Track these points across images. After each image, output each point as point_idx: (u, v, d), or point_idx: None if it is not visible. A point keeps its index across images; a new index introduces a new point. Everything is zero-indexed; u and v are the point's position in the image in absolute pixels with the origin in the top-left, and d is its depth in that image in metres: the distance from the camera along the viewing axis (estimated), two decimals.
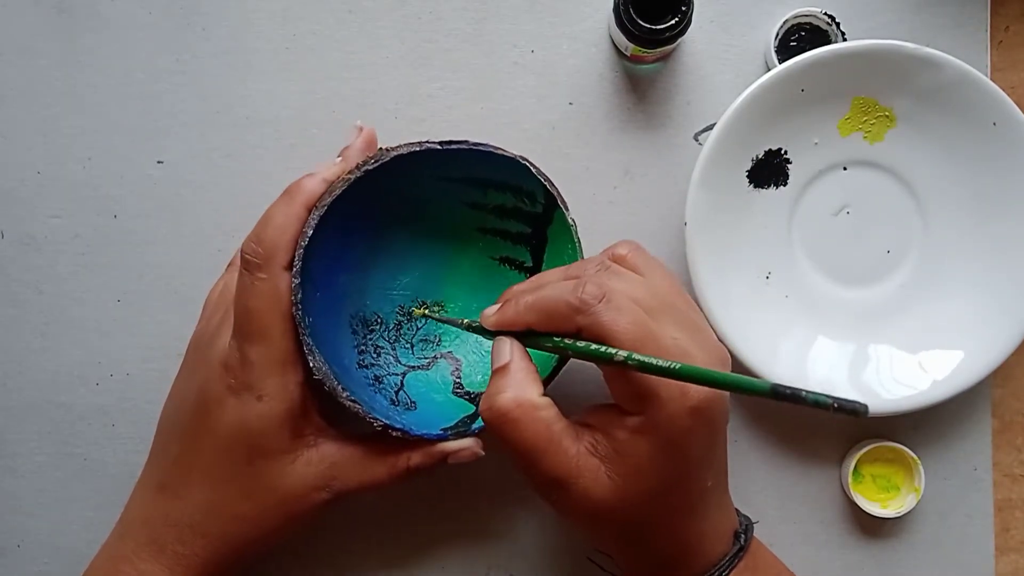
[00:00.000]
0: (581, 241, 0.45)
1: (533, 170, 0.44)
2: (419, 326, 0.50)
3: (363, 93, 0.51)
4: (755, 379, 0.33)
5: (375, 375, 0.47)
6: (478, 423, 0.45)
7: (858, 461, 0.50)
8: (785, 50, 0.51)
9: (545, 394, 0.40)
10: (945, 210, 0.50)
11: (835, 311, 0.51)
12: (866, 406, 0.30)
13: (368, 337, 0.48)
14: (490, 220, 0.49)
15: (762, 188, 0.50)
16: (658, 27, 0.46)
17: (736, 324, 0.49)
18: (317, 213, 0.42)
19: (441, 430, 0.45)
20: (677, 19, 0.46)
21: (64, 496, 0.52)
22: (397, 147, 0.44)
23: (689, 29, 0.46)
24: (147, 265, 0.52)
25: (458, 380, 0.49)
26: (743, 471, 0.52)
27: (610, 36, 0.51)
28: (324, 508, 0.44)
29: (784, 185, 0.51)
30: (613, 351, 0.37)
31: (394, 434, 0.43)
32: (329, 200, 0.42)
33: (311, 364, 0.42)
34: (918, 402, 0.49)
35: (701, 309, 0.48)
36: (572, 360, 0.45)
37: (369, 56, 0.51)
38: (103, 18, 0.51)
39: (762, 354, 0.49)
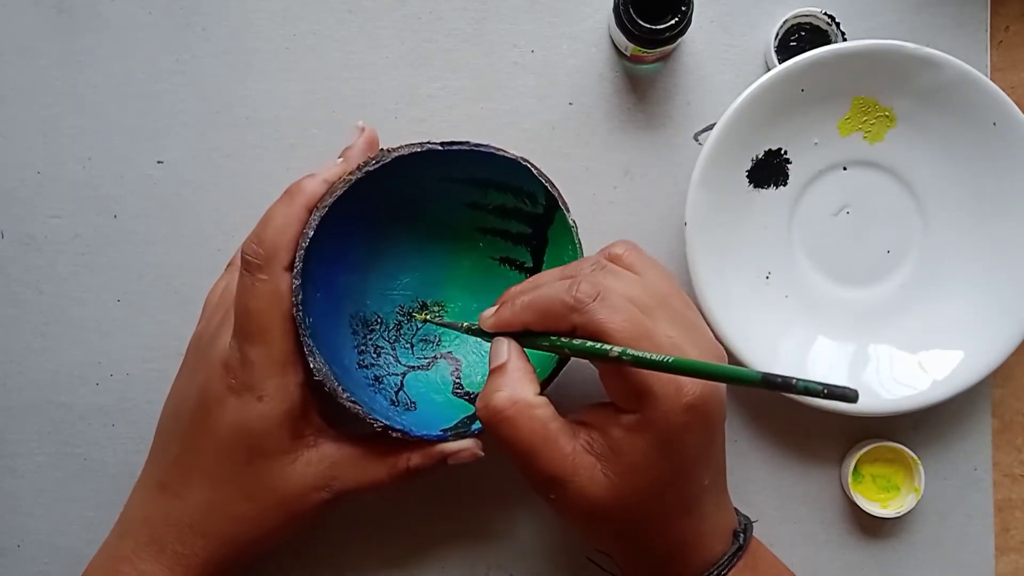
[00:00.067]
0: (582, 242, 0.45)
1: (534, 171, 0.44)
2: (419, 326, 0.50)
3: (363, 93, 0.51)
4: (746, 369, 0.33)
5: (375, 375, 0.47)
6: (478, 424, 0.45)
7: (858, 461, 0.50)
8: (785, 50, 0.51)
9: (543, 394, 0.40)
10: (945, 210, 0.50)
11: (835, 311, 0.51)
12: (856, 391, 0.30)
13: (368, 337, 0.48)
14: (490, 220, 0.49)
15: (762, 188, 0.50)
16: (658, 27, 0.46)
17: (736, 324, 0.49)
18: (318, 214, 0.42)
19: (441, 431, 0.45)
20: (677, 19, 0.46)
21: (64, 496, 0.52)
22: (398, 148, 0.44)
23: (689, 29, 0.46)
24: (147, 265, 0.52)
25: (458, 380, 0.49)
26: (743, 471, 0.52)
27: (610, 36, 0.51)
28: (324, 508, 0.44)
29: (784, 185, 0.51)
30: (608, 347, 0.37)
31: (394, 435, 0.43)
32: (330, 201, 0.42)
33: (312, 365, 0.42)
34: (918, 402, 0.49)
35: (701, 309, 0.48)
36: (571, 361, 0.45)
37: (369, 56, 0.51)
38: (103, 18, 0.51)
39: (762, 354, 0.49)
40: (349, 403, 0.42)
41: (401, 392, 0.47)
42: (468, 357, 0.49)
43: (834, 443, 0.52)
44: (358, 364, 0.47)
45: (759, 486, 0.52)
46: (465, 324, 0.46)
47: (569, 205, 0.45)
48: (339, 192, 0.43)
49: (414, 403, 0.47)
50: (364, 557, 0.52)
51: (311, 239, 0.42)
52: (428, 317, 0.49)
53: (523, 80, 0.51)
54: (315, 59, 0.51)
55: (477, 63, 0.51)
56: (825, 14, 0.50)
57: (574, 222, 0.45)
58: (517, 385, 0.39)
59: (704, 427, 0.39)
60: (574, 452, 0.39)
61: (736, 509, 0.44)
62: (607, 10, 0.51)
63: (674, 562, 0.41)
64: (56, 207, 0.51)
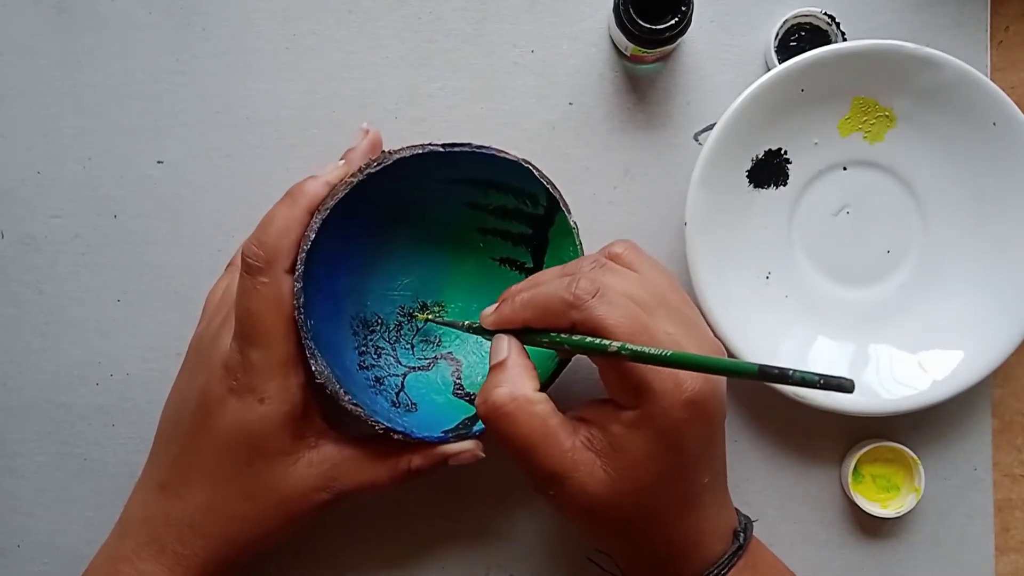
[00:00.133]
0: (582, 243, 0.45)
1: (536, 173, 0.44)
2: (419, 326, 0.50)
3: (363, 93, 0.51)
4: (743, 362, 0.33)
5: (376, 376, 0.47)
6: (479, 425, 0.45)
7: (858, 461, 0.50)
8: (785, 50, 0.51)
9: (544, 392, 0.40)
10: (945, 210, 0.50)
11: (835, 311, 0.51)
12: (852, 381, 0.30)
13: (369, 338, 0.48)
14: (491, 221, 0.49)
15: (762, 188, 0.50)
16: (658, 27, 0.46)
17: (736, 324, 0.49)
18: (319, 217, 0.42)
19: (442, 432, 0.45)
20: (677, 19, 0.46)
21: (64, 496, 0.52)
22: (400, 150, 0.44)
23: (689, 29, 0.46)
24: (147, 265, 0.52)
25: (458, 381, 0.49)
26: (743, 471, 0.52)
27: (610, 36, 0.51)
28: (324, 508, 0.44)
29: (784, 185, 0.51)
30: (607, 342, 0.37)
31: (395, 437, 0.43)
32: (332, 203, 0.42)
33: (313, 368, 0.42)
34: (918, 402, 0.49)
35: (701, 309, 0.48)
36: (574, 359, 0.45)
37: (369, 56, 0.51)
38: (103, 18, 0.51)
39: (762, 354, 0.49)
40: (351, 405, 0.43)
41: (402, 393, 0.47)
42: (468, 358, 0.49)
43: (834, 443, 0.52)
44: (359, 365, 0.47)
45: (759, 486, 0.52)
46: (466, 322, 0.46)
47: (569, 205, 0.45)
48: (340, 195, 0.43)
49: (415, 404, 0.47)
50: (364, 557, 0.52)
51: (312, 242, 0.42)
52: (430, 316, 0.49)
53: (523, 80, 0.51)
54: (315, 59, 0.51)
55: (477, 63, 0.51)
56: (825, 14, 0.50)
57: (575, 223, 0.45)
58: (517, 381, 0.40)
59: (704, 423, 0.39)
60: (574, 448, 0.39)
61: (736, 509, 0.44)
62: (607, 10, 0.51)
63: (674, 561, 0.41)
64: (56, 207, 0.51)
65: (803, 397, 0.48)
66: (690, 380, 0.38)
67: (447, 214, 0.48)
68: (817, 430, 0.52)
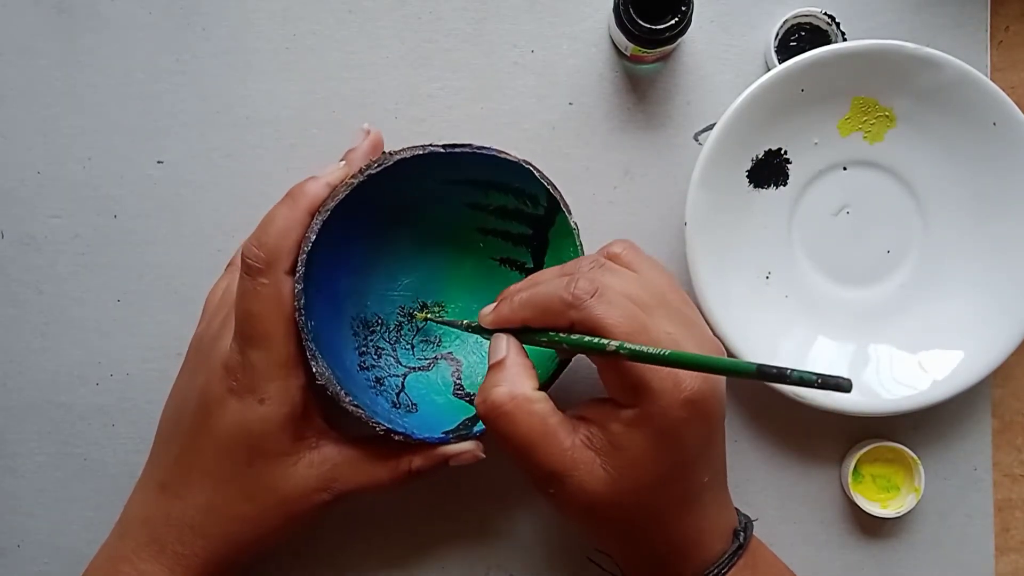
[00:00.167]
0: (583, 244, 0.45)
1: (537, 174, 0.44)
2: (419, 326, 0.50)
3: (363, 93, 0.51)
4: (741, 361, 0.33)
5: (376, 377, 0.47)
6: (479, 426, 0.45)
7: (858, 461, 0.50)
8: (785, 50, 0.51)
9: (543, 391, 0.40)
10: (945, 210, 0.50)
11: (835, 311, 0.51)
12: (849, 380, 0.30)
13: (369, 338, 0.48)
14: (491, 221, 0.49)
15: (762, 188, 0.50)
16: (658, 27, 0.46)
17: (736, 324, 0.49)
18: (320, 218, 0.42)
19: (443, 433, 0.45)
20: (677, 19, 0.46)
21: (64, 496, 0.52)
22: (400, 151, 0.44)
23: (689, 29, 0.46)
24: (147, 265, 0.52)
25: (459, 381, 0.49)
26: (743, 471, 0.52)
27: (610, 36, 0.51)
28: (325, 509, 0.44)
29: (784, 185, 0.51)
30: (605, 342, 0.37)
31: (396, 438, 0.43)
32: (332, 205, 0.42)
33: (314, 370, 0.42)
34: (918, 402, 0.49)
35: (701, 309, 0.48)
36: (574, 359, 0.45)
37: (369, 56, 0.51)
38: (103, 18, 0.51)
39: (762, 354, 0.49)
40: (352, 407, 0.43)
41: (402, 394, 0.47)
42: (469, 358, 0.49)
43: (834, 443, 0.52)
44: (359, 366, 0.47)
45: (759, 486, 0.52)
46: (465, 322, 0.46)
47: (569, 205, 0.45)
48: (341, 196, 0.43)
49: (415, 405, 0.47)
50: (364, 557, 0.52)
51: (312, 243, 0.42)
52: (429, 316, 0.49)
53: (523, 80, 0.51)
54: (315, 59, 0.51)
55: (477, 63, 0.51)
56: (825, 14, 0.50)
57: (576, 224, 0.45)
58: (516, 380, 0.40)
59: (703, 422, 0.39)
60: (573, 447, 0.39)
61: (736, 509, 0.44)
62: (607, 10, 0.51)
63: (674, 560, 0.41)
64: (56, 207, 0.51)
65: (803, 397, 0.48)
66: (689, 379, 0.38)
67: (447, 214, 0.48)
68: (817, 430, 0.52)
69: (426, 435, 0.44)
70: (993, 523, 0.52)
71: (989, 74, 0.51)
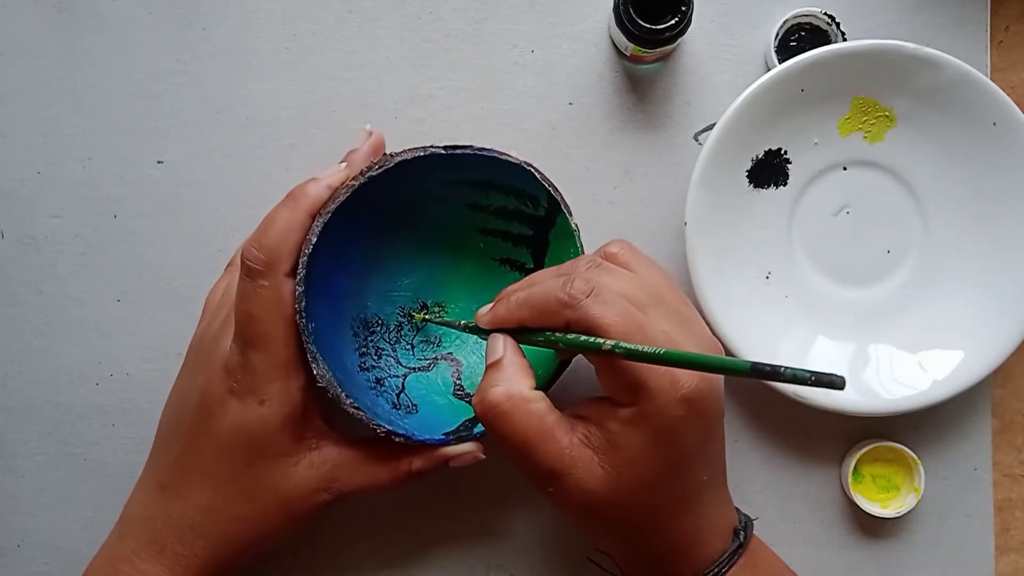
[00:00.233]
0: (583, 245, 0.45)
1: (538, 176, 0.44)
2: (419, 326, 0.50)
3: (363, 93, 0.51)
4: (735, 359, 0.33)
5: (376, 377, 0.47)
6: (479, 427, 0.45)
7: (858, 461, 0.50)
8: (785, 50, 0.51)
9: (541, 391, 0.40)
10: (945, 210, 0.50)
11: (835, 311, 0.51)
12: (843, 378, 0.30)
13: (369, 339, 0.48)
14: (491, 221, 0.49)
15: (762, 188, 0.50)
16: (658, 27, 0.46)
17: (736, 324, 0.49)
18: (321, 220, 0.42)
19: (443, 434, 0.45)
20: (677, 19, 0.46)
21: (64, 496, 0.52)
22: (401, 152, 0.44)
23: (689, 29, 0.46)
24: (147, 265, 0.52)
25: (459, 382, 0.49)
26: (743, 471, 0.52)
27: (610, 36, 0.51)
28: (325, 510, 0.44)
29: (784, 185, 0.51)
30: (601, 341, 0.37)
31: (397, 440, 0.43)
32: (333, 207, 0.42)
33: (315, 372, 0.42)
34: (918, 402, 0.49)
35: (701, 309, 0.48)
36: (574, 360, 0.45)
37: (369, 56, 0.51)
38: (103, 18, 0.51)
39: (762, 354, 0.49)
40: (352, 409, 0.43)
41: (403, 395, 0.47)
42: (469, 358, 0.49)
43: (834, 443, 0.52)
44: (359, 367, 0.47)
45: (759, 486, 0.52)
46: (462, 322, 0.46)
47: (569, 205, 0.45)
48: (342, 198, 0.43)
49: (416, 406, 0.47)
50: (364, 557, 0.52)
51: (313, 245, 0.42)
52: (427, 316, 0.49)
53: (523, 80, 0.51)
54: (315, 59, 0.51)
55: (477, 63, 0.51)
56: (825, 14, 0.50)
57: (576, 226, 0.45)
58: (513, 380, 0.40)
59: (701, 420, 0.39)
60: (571, 445, 0.39)
61: (737, 508, 0.44)
62: (607, 10, 0.51)
63: (674, 559, 0.41)
64: (56, 207, 0.51)
65: (803, 397, 0.48)
66: (686, 377, 0.38)
67: (448, 214, 0.48)
68: (817, 430, 0.52)
69: (427, 437, 0.44)
70: (993, 523, 0.52)
71: (989, 74, 0.51)
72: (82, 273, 0.52)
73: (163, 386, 0.47)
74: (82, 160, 0.51)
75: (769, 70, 0.49)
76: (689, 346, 0.39)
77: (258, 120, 0.51)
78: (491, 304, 0.42)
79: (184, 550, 0.43)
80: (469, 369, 0.49)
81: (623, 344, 0.36)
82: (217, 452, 0.43)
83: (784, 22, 0.50)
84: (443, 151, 0.43)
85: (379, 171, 0.43)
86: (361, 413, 0.42)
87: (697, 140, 0.52)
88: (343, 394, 0.42)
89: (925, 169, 0.50)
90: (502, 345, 0.41)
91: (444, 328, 0.50)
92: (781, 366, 0.31)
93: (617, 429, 0.38)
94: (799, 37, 0.51)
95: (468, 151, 0.44)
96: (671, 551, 0.41)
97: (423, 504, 0.51)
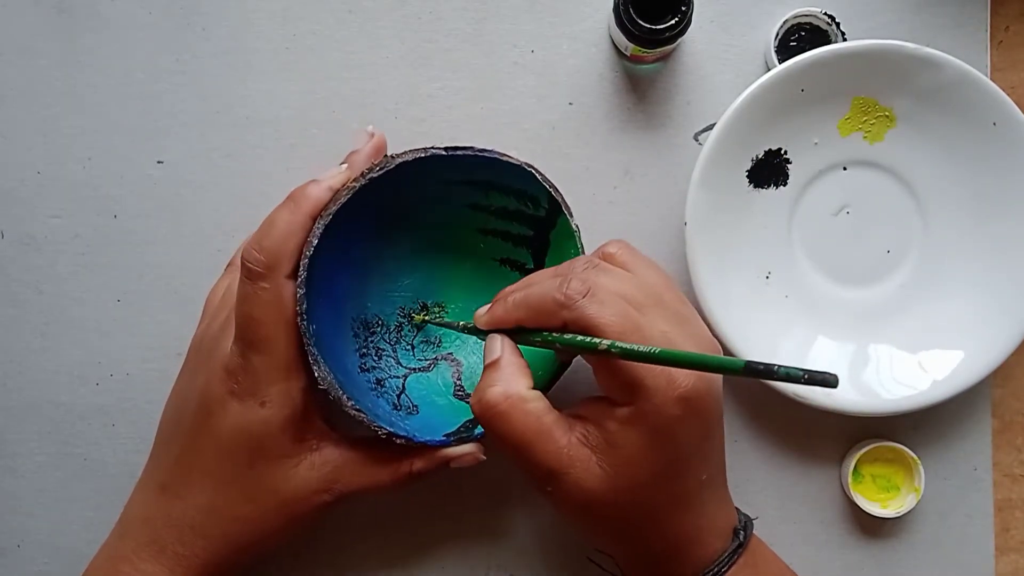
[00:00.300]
0: (584, 246, 0.45)
1: (539, 177, 0.44)
2: (418, 327, 0.50)
3: (363, 93, 0.51)
4: (729, 358, 0.33)
5: (377, 378, 0.47)
6: (480, 428, 0.45)
7: (858, 461, 0.50)
8: (785, 50, 0.51)
9: (540, 391, 0.40)
10: (945, 210, 0.50)
11: (835, 311, 0.51)
12: (836, 376, 0.30)
13: (369, 340, 0.48)
14: (492, 222, 0.49)
15: (762, 188, 0.50)
16: (658, 27, 0.46)
17: (736, 324, 0.49)
18: (322, 222, 0.42)
19: (444, 436, 0.45)
20: (677, 19, 0.46)
21: (64, 496, 0.52)
22: (402, 154, 0.44)
23: (689, 29, 0.46)
24: (147, 265, 0.52)
25: (459, 382, 0.49)
26: (743, 471, 0.52)
27: (610, 36, 0.51)
28: (325, 510, 0.44)
29: (784, 185, 0.51)
30: (597, 340, 0.37)
31: (398, 442, 0.43)
32: (334, 209, 0.42)
33: (316, 374, 0.42)
34: (918, 402, 0.49)
35: (701, 309, 0.48)
36: (573, 360, 0.45)
37: (369, 56, 0.51)
38: (103, 18, 0.51)
39: (762, 354, 0.49)
40: (354, 411, 0.43)
41: (403, 395, 0.47)
42: (469, 359, 0.49)
43: (834, 443, 0.52)
44: (360, 368, 0.47)
45: (759, 486, 0.52)
46: (461, 323, 0.46)
47: (569, 205, 0.45)
48: (343, 200, 0.43)
49: (416, 407, 0.47)
50: (364, 557, 0.52)
51: (314, 247, 0.42)
52: (426, 317, 0.49)
53: (523, 80, 0.51)
54: (315, 59, 0.51)
55: (477, 63, 0.51)
56: (825, 14, 0.50)
57: (577, 227, 0.45)
58: (511, 380, 0.40)
59: (698, 420, 0.39)
60: (569, 445, 0.39)
61: (736, 508, 0.44)
62: (607, 10, 0.51)
63: (673, 559, 0.41)
64: (56, 207, 0.51)
65: (803, 397, 0.48)
66: (683, 377, 0.38)
67: (448, 215, 0.48)
68: (817, 430, 0.52)
69: (427, 438, 0.44)
70: (993, 523, 0.52)
71: (989, 74, 0.51)
72: (82, 273, 0.52)
73: (163, 386, 0.47)
74: (82, 160, 0.51)
75: (769, 70, 0.49)
76: (687, 346, 0.39)
77: (258, 120, 0.51)
78: (489, 305, 0.42)
79: (184, 550, 0.43)
80: (469, 370, 0.49)
81: (619, 344, 0.36)
82: (217, 453, 0.43)
83: (784, 22, 0.50)
84: (444, 152, 0.43)
85: (380, 172, 0.43)
86: (363, 415, 0.43)
87: (697, 140, 0.52)
88: (345, 396, 0.42)
89: (925, 169, 0.50)
90: (500, 345, 0.41)
91: (444, 328, 0.50)
92: (775, 364, 0.31)
93: (615, 428, 0.38)
94: (799, 37, 0.51)
95: (469, 152, 0.44)
96: (670, 550, 0.41)
97: (423, 504, 0.51)
